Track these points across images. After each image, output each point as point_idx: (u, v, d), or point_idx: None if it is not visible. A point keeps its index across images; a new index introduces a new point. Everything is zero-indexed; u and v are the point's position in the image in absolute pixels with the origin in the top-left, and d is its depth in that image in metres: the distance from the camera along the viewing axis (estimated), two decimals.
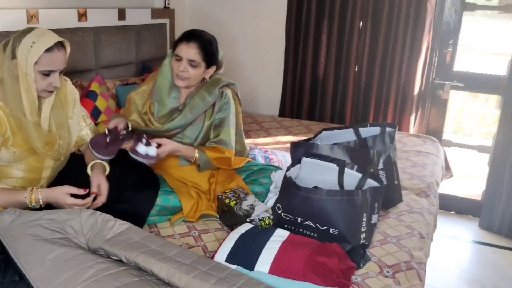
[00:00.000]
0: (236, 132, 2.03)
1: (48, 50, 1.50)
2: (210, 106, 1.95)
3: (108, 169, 1.72)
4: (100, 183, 1.63)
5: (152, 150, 1.71)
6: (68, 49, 1.59)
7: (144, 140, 1.70)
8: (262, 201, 1.87)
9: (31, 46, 1.48)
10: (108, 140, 1.70)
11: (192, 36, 1.86)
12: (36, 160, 1.62)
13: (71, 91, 1.75)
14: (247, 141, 2.73)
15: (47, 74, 1.53)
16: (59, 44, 1.54)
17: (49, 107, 1.62)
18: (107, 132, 1.73)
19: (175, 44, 1.88)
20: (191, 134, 1.96)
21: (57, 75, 1.56)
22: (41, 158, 1.63)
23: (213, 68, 1.93)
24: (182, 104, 1.95)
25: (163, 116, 1.93)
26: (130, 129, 1.82)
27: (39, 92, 1.55)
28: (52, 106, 1.64)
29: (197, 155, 1.89)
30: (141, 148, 1.69)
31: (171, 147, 1.82)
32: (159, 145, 1.77)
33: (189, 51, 1.83)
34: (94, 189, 1.61)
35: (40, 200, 1.53)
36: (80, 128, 1.79)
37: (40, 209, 1.54)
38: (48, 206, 1.56)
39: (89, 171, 1.70)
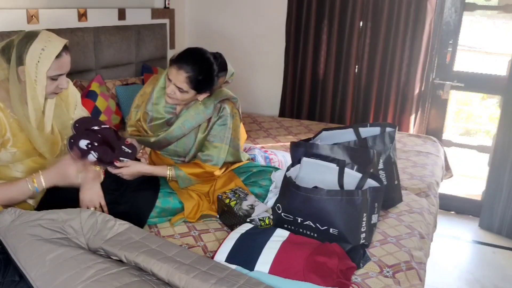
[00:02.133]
0: (232, 145, 1.94)
1: (57, 56, 1.50)
2: (205, 120, 1.87)
3: (102, 177, 1.69)
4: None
5: (90, 156, 1.65)
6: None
7: (91, 144, 1.66)
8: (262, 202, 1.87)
9: (41, 54, 1.48)
10: (100, 139, 1.67)
11: (184, 61, 1.72)
12: (35, 161, 1.62)
13: (73, 92, 1.76)
14: (247, 142, 2.73)
15: (55, 78, 1.54)
16: (65, 48, 1.55)
17: (51, 108, 1.63)
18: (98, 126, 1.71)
19: (169, 62, 1.78)
20: (184, 146, 1.90)
21: (64, 78, 1.57)
22: (41, 159, 1.63)
23: (205, 94, 1.81)
24: (176, 115, 1.88)
25: (156, 125, 1.88)
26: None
27: (46, 95, 1.56)
28: (55, 106, 1.65)
29: (169, 173, 1.83)
30: (82, 143, 1.64)
31: (135, 170, 1.77)
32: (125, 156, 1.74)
33: (178, 78, 1.71)
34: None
35: (44, 185, 1.52)
36: None
37: (40, 208, 1.55)
38: (49, 203, 1.57)
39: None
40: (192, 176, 1.85)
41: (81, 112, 1.79)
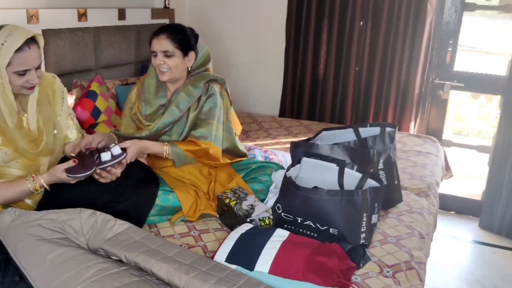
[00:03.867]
0: (225, 129, 2.00)
1: (18, 50, 1.46)
2: (195, 99, 1.95)
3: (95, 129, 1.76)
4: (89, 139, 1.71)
5: (115, 150, 1.66)
6: (42, 42, 1.55)
7: (101, 150, 1.66)
8: (263, 199, 1.87)
9: (0, 49, 1.44)
10: (81, 164, 1.63)
11: (160, 29, 1.89)
12: (30, 158, 1.62)
13: (59, 88, 1.75)
14: (247, 142, 2.73)
15: (22, 74, 1.50)
16: (30, 41, 1.50)
17: (33, 103, 1.61)
18: (75, 156, 1.67)
19: (149, 42, 1.91)
20: (177, 129, 1.96)
21: (33, 72, 1.53)
22: (34, 156, 1.63)
23: (192, 55, 1.93)
24: (168, 100, 1.96)
25: (150, 114, 1.95)
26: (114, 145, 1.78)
27: (18, 90, 1.54)
28: (38, 102, 1.63)
29: (166, 149, 1.87)
30: (105, 156, 1.64)
31: (135, 147, 1.77)
32: (124, 149, 1.73)
33: (160, 43, 1.85)
34: (92, 144, 1.69)
35: (45, 185, 1.57)
36: (67, 126, 1.79)
37: (40, 209, 1.55)
38: (49, 203, 1.57)
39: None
40: (188, 153, 1.89)
41: (68, 109, 1.80)
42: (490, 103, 3.94)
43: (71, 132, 1.82)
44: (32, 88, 1.57)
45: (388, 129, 1.92)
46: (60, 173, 1.55)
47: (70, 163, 1.59)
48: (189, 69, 1.96)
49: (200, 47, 1.98)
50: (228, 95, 2.03)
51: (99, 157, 1.63)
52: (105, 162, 1.62)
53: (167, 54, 1.85)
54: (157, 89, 1.97)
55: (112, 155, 1.64)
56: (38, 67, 1.56)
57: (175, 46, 1.86)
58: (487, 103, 3.90)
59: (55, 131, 1.70)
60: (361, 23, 3.10)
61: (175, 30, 1.89)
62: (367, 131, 1.96)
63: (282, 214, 1.61)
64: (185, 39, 1.89)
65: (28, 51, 1.49)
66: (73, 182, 1.58)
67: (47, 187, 1.58)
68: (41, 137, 1.64)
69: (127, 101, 2.05)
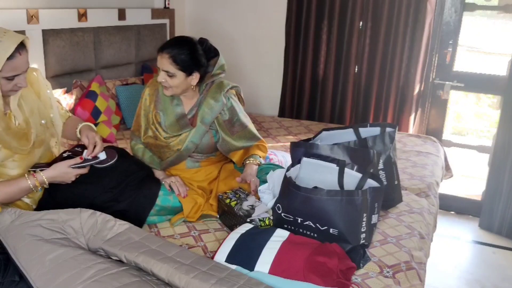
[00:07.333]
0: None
1: (9, 57, 1.44)
2: (218, 113, 1.93)
3: (96, 128, 1.77)
4: (88, 136, 1.69)
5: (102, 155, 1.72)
6: (29, 45, 1.53)
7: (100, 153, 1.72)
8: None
9: None
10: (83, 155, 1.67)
11: (165, 46, 1.81)
12: (24, 153, 1.62)
13: (42, 79, 1.72)
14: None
15: (11, 78, 1.48)
16: (20, 47, 1.47)
17: (15, 99, 1.59)
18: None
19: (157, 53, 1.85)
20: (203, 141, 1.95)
21: (22, 76, 1.52)
22: (27, 152, 1.62)
23: (196, 75, 1.84)
24: (187, 116, 1.91)
25: (171, 125, 1.90)
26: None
27: (5, 93, 1.52)
28: (21, 95, 1.61)
29: (258, 162, 1.96)
30: (102, 155, 1.70)
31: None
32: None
33: (162, 62, 1.79)
34: (90, 147, 1.66)
35: (46, 181, 1.57)
36: (57, 115, 1.78)
37: (40, 209, 1.55)
38: (48, 203, 1.57)
39: (78, 135, 1.74)
40: (263, 153, 2.03)
41: (55, 98, 1.78)
42: (482, 102, 3.93)
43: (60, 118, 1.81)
44: (18, 90, 1.56)
45: (388, 129, 1.92)
46: (65, 168, 1.58)
47: (76, 160, 1.62)
48: (193, 87, 1.88)
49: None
50: (241, 98, 2.05)
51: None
52: (103, 162, 1.68)
53: (168, 74, 1.79)
54: (172, 97, 1.91)
55: (105, 154, 1.71)
56: (26, 70, 1.54)
57: (176, 68, 1.78)
58: (479, 101, 3.89)
59: (43, 121, 1.69)
60: (361, 23, 3.11)
61: (179, 49, 1.78)
62: (367, 131, 1.96)
63: (282, 214, 1.61)
64: (189, 59, 1.80)
65: (19, 57, 1.47)
66: (73, 179, 1.61)
67: (46, 182, 1.57)
68: (29, 130, 1.62)
69: (140, 103, 1.97)
